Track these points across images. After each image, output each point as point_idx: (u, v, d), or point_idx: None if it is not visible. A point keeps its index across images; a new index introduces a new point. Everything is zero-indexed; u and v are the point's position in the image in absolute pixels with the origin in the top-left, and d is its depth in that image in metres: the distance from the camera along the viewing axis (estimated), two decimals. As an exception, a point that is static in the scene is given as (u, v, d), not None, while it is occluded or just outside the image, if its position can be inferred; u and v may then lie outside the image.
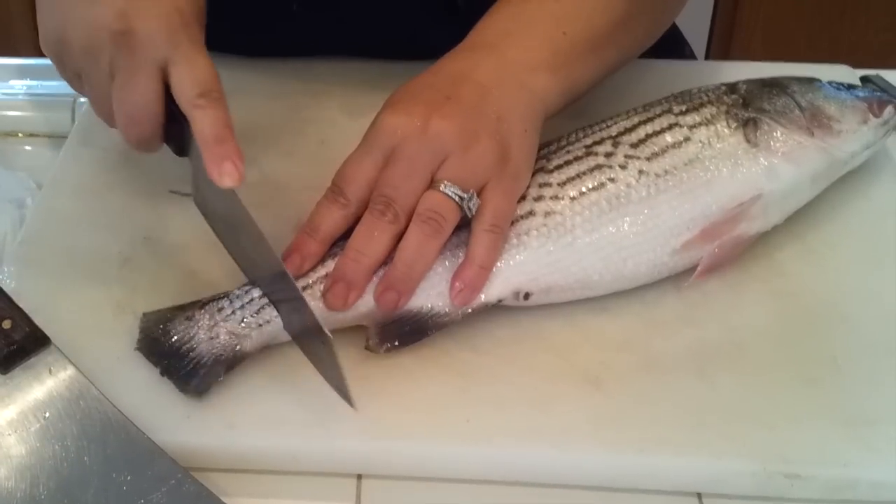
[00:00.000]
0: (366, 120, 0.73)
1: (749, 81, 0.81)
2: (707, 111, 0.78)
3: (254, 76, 0.93)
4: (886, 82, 0.97)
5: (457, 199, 0.69)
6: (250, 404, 0.67)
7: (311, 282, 0.70)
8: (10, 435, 0.62)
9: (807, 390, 0.68)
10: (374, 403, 0.66)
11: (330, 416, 0.65)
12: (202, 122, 0.67)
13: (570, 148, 0.75)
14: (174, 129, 0.70)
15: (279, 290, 0.68)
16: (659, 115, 0.77)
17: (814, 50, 2.15)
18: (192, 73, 0.68)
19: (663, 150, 0.75)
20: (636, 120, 0.77)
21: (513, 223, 0.71)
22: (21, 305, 0.67)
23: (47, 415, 0.63)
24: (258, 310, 0.69)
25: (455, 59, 0.76)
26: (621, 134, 0.76)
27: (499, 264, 0.70)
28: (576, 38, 0.77)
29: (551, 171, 0.74)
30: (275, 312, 0.68)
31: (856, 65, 0.98)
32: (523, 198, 0.72)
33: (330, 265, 0.70)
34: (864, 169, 0.85)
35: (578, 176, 0.73)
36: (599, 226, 0.72)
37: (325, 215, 0.71)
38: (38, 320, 0.67)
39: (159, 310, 0.70)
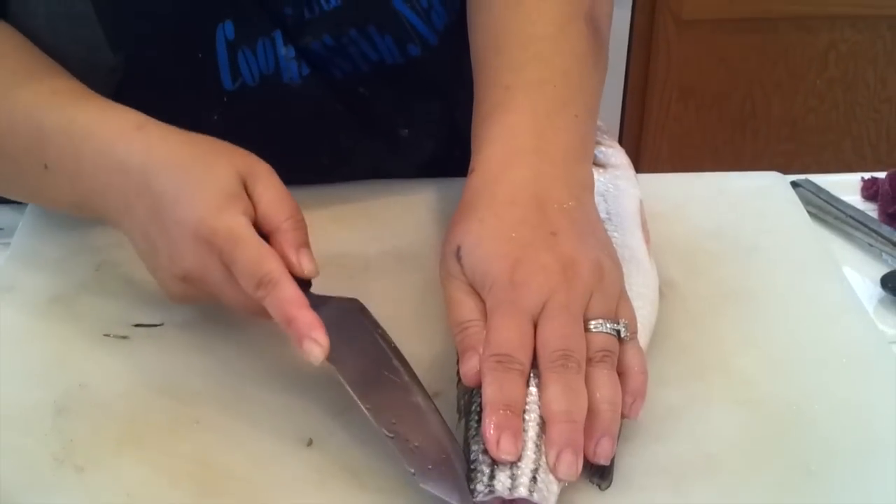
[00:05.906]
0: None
1: None
2: None
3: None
4: (816, 186, 0.99)
5: (615, 333, 0.68)
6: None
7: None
8: None
9: (785, 500, 0.66)
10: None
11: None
12: (272, 313, 0.68)
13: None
14: None
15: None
16: None
17: (718, 162, 2.21)
18: (242, 271, 0.68)
19: None
20: None
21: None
22: (-48, 466, 0.62)
23: (-13, 585, 0.58)
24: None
25: (511, 171, 0.74)
26: None
27: None
28: (584, 115, 0.79)
29: None
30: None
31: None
32: None
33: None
34: (809, 272, 0.85)
35: None
36: None
37: (510, 388, 0.64)
38: (-28, 482, 0.62)
39: None
